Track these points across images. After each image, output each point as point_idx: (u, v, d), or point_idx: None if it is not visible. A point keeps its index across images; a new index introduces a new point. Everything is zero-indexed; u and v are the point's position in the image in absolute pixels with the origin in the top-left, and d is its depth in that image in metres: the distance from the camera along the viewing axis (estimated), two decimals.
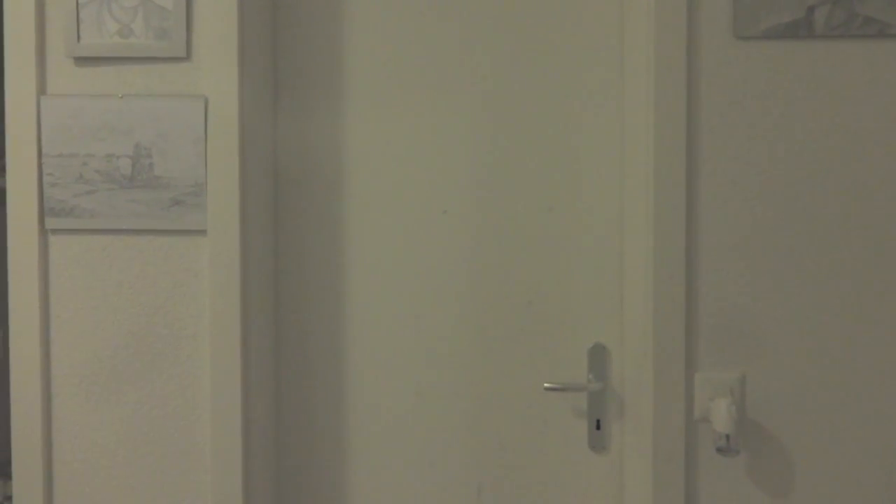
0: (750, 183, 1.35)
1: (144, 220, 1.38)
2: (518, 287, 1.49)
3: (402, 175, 1.50)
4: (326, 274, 1.52)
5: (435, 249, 1.50)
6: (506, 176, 1.49)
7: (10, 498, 1.41)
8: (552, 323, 1.49)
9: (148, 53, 1.38)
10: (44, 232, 1.39)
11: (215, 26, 1.37)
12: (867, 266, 1.34)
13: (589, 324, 1.48)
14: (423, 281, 1.50)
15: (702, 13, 1.33)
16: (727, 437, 1.29)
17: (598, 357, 1.47)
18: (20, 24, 1.37)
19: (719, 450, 1.30)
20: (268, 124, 1.49)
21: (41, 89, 1.38)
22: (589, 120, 1.48)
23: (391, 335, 1.51)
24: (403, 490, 1.52)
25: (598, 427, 1.48)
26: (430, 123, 1.50)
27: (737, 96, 1.34)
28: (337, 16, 1.50)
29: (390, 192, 1.51)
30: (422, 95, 1.50)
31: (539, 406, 1.49)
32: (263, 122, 1.47)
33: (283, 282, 1.52)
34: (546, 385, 1.45)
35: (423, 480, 1.51)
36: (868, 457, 1.35)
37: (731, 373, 1.36)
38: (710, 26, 1.34)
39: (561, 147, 1.48)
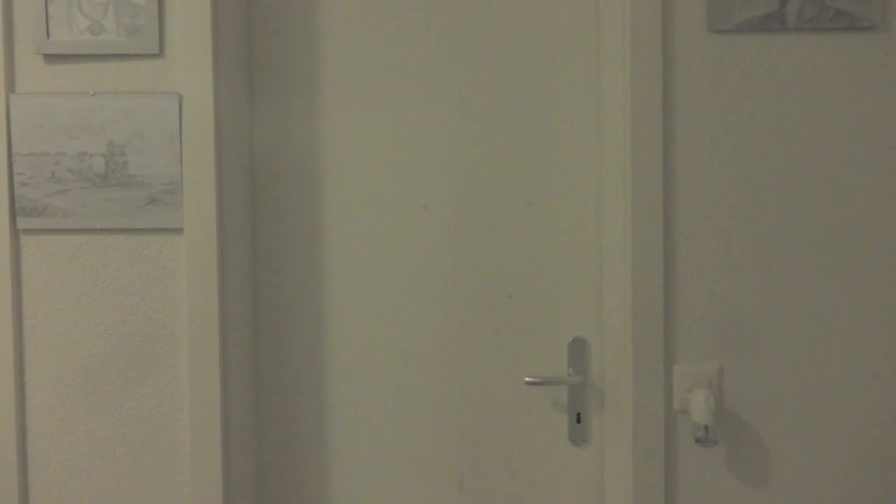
0: (727, 175, 1.36)
1: (119, 218, 1.36)
2: (498, 282, 1.49)
3: (381, 171, 1.50)
4: (305, 271, 1.51)
5: (415, 245, 1.50)
6: (485, 171, 1.49)
7: None
8: (532, 317, 1.49)
9: (120, 50, 1.36)
10: (15, 232, 1.37)
11: (188, 22, 1.35)
12: (845, 257, 1.36)
13: (569, 317, 1.49)
14: (404, 276, 1.50)
15: (676, 7, 1.34)
16: (706, 427, 1.30)
17: (578, 351, 1.48)
18: None
19: (698, 440, 1.31)
20: (244, 121, 1.47)
21: (10, 87, 1.36)
22: (566, 115, 1.48)
23: (371, 331, 1.51)
24: (385, 485, 1.52)
25: (578, 420, 1.48)
26: (408, 119, 1.49)
27: (712, 89, 1.35)
28: (313, 10, 1.49)
29: (369, 188, 1.50)
30: (400, 91, 1.49)
31: (520, 400, 1.50)
32: (239, 119, 1.45)
33: (262, 279, 1.51)
34: (527, 379, 1.46)
35: (404, 475, 1.51)
36: (843, 447, 1.37)
37: (710, 365, 1.37)
38: (684, 20, 1.35)
39: (539, 142, 1.48)
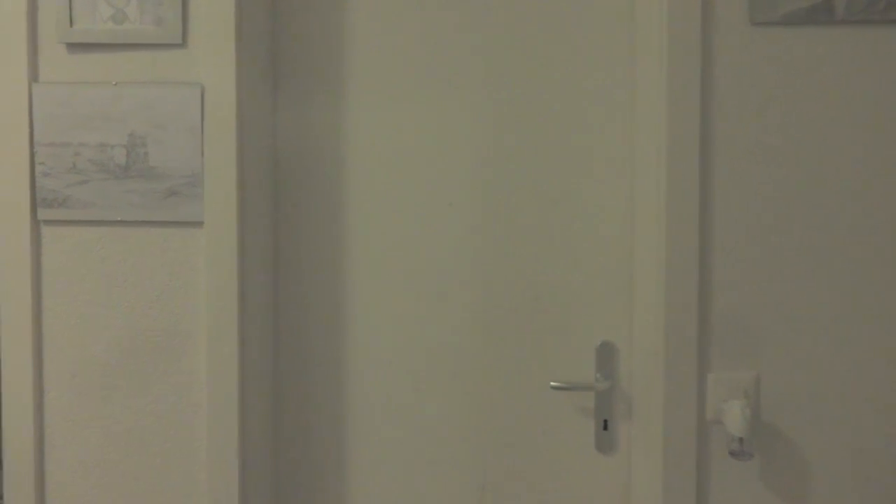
0: (767, 175, 1.30)
1: (139, 211, 1.34)
2: (524, 282, 1.45)
3: (406, 166, 1.46)
4: (327, 267, 1.47)
5: (439, 243, 1.46)
6: (512, 167, 1.45)
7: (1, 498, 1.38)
8: (559, 320, 1.44)
9: (143, 40, 1.33)
10: (36, 223, 1.36)
11: (212, 11, 1.32)
12: (889, 263, 1.29)
13: (597, 321, 1.44)
14: (427, 275, 1.46)
15: None
16: (741, 440, 1.24)
17: (607, 355, 1.43)
18: (11, 9, 1.33)
19: (732, 453, 1.25)
20: (267, 113, 1.44)
21: (33, 76, 1.34)
22: (598, 109, 1.43)
23: (393, 330, 1.47)
24: (404, 490, 1.48)
25: (605, 427, 1.43)
26: (435, 112, 1.45)
27: (753, 85, 1.29)
28: (339, 1, 1.46)
29: (394, 183, 1.46)
30: (426, 83, 1.45)
31: (545, 405, 1.45)
32: (262, 111, 1.42)
33: (283, 275, 1.48)
34: (552, 384, 1.41)
35: (424, 480, 1.47)
36: (887, 460, 1.30)
37: (746, 373, 1.31)
38: (725, 12, 1.29)
39: (569, 137, 1.43)
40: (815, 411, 1.30)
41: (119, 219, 1.34)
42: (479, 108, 1.45)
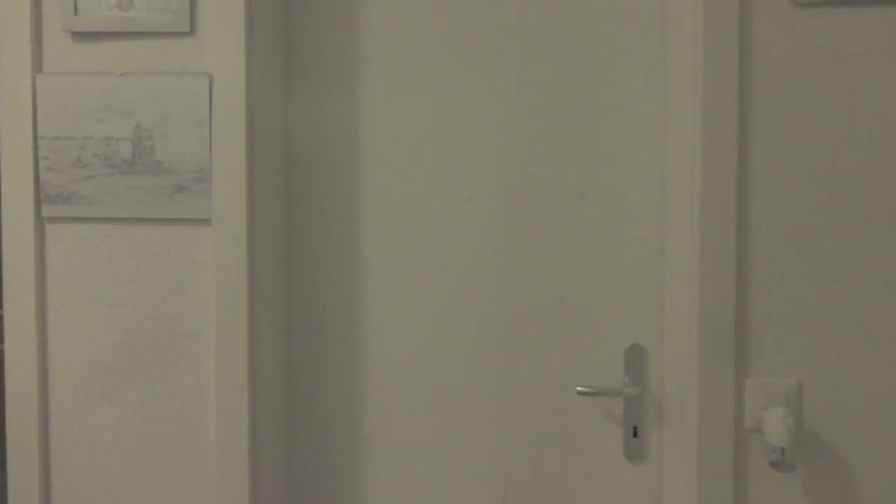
0: (810, 167, 1.22)
1: (145, 207, 1.29)
2: (549, 281, 1.38)
3: (423, 159, 1.40)
4: (341, 266, 1.41)
5: (458, 240, 1.39)
6: (535, 160, 1.38)
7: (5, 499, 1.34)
8: (586, 321, 1.38)
9: (149, 28, 1.28)
10: (39, 220, 1.31)
11: None
12: None
13: (626, 322, 1.37)
14: (446, 274, 1.40)
15: None
16: (782, 450, 1.16)
17: (636, 358, 1.36)
18: None
19: (773, 464, 1.17)
20: (279, 104, 1.38)
21: (37, 67, 1.29)
22: (627, 98, 1.35)
23: (411, 332, 1.41)
24: (423, 498, 1.42)
25: (634, 434, 1.37)
26: (454, 103, 1.39)
27: (795, 70, 1.21)
28: None
29: (411, 177, 1.40)
30: (445, 74, 1.38)
31: (571, 411, 1.38)
32: (274, 102, 1.36)
33: (295, 274, 1.42)
34: (579, 389, 1.35)
35: (444, 487, 1.41)
36: None
37: (787, 379, 1.23)
38: None
39: (595, 128, 1.36)
40: (862, 420, 1.22)
41: (125, 216, 1.29)
42: (501, 98, 1.38)
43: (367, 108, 1.40)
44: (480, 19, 1.38)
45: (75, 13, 1.28)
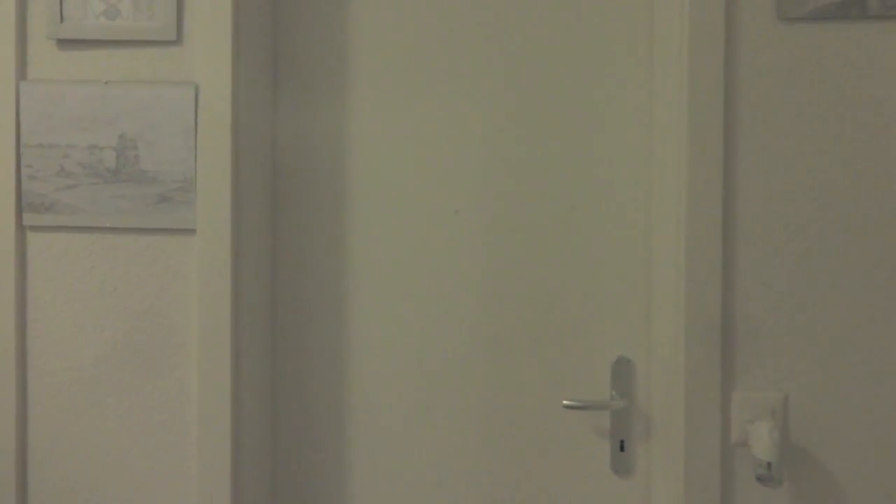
0: (795, 180, 1.22)
1: (129, 217, 1.27)
2: (536, 294, 1.37)
3: (410, 171, 1.39)
4: (328, 278, 1.40)
5: (445, 252, 1.38)
6: (523, 172, 1.37)
7: None
8: (572, 334, 1.37)
9: (135, 36, 1.27)
10: (21, 229, 1.29)
11: (208, 7, 1.26)
12: None
13: (613, 335, 1.36)
14: (433, 286, 1.39)
15: None
16: (769, 464, 1.15)
17: (623, 372, 1.35)
18: None
19: (759, 479, 1.17)
20: (265, 114, 1.38)
21: (21, 74, 1.28)
22: (615, 111, 1.35)
23: (397, 344, 1.40)
24: None
25: (622, 449, 1.35)
26: (441, 114, 1.38)
27: (780, 84, 1.21)
28: None
29: (398, 189, 1.39)
30: (433, 84, 1.38)
31: (557, 424, 1.37)
32: (260, 112, 1.36)
33: (280, 286, 1.41)
34: (565, 402, 1.34)
35: (430, 502, 1.39)
36: None
37: (773, 392, 1.22)
38: (750, 6, 1.21)
39: (583, 140, 1.36)
40: (849, 434, 1.21)
41: (108, 225, 1.28)
42: (489, 109, 1.38)
43: (354, 118, 1.40)
44: (469, 31, 1.38)
45: (61, 21, 1.28)
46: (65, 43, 1.28)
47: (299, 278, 1.41)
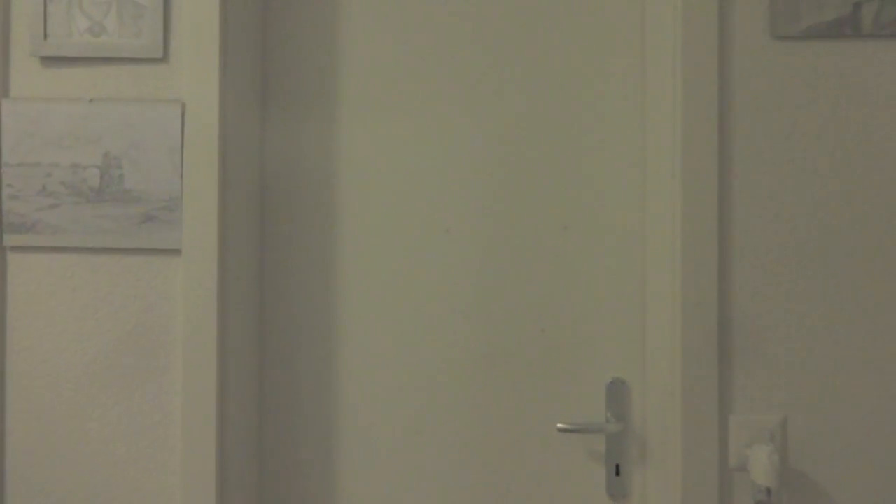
0: (791, 200, 1.20)
1: (113, 237, 1.24)
2: (529, 314, 1.35)
3: (401, 190, 1.37)
4: (317, 299, 1.37)
5: (437, 272, 1.36)
6: (516, 191, 1.35)
7: None
8: (566, 355, 1.34)
9: (121, 53, 1.25)
10: (2, 249, 1.26)
11: (195, 24, 1.24)
12: None
13: (607, 356, 1.34)
14: (423, 307, 1.36)
15: (735, 10, 1.20)
16: (768, 490, 1.13)
17: (618, 394, 1.33)
18: None
19: None
20: (253, 133, 1.35)
21: (3, 91, 1.26)
22: (608, 129, 1.34)
23: (387, 367, 1.37)
24: None
25: (617, 473, 1.33)
26: (432, 132, 1.36)
27: (774, 103, 1.20)
28: (333, 14, 1.38)
29: (388, 207, 1.37)
30: (423, 102, 1.37)
31: (551, 448, 1.34)
32: (248, 131, 1.33)
33: (269, 307, 1.38)
34: (559, 425, 1.31)
35: None
36: None
37: (772, 415, 1.20)
38: (744, 24, 1.20)
39: (576, 159, 1.35)
40: (850, 458, 1.19)
41: (91, 245, 1.25)
42: (481, 126, 1.36)
43: (344, 136, 1.38)
44: (461, 48, 1.37)
45: (45, 38, 1.25)
46: (48, 60, 1.26)
47: (288, 300, 1.38)
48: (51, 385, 1.26)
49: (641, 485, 1.33)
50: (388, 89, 1.37)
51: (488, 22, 1.36)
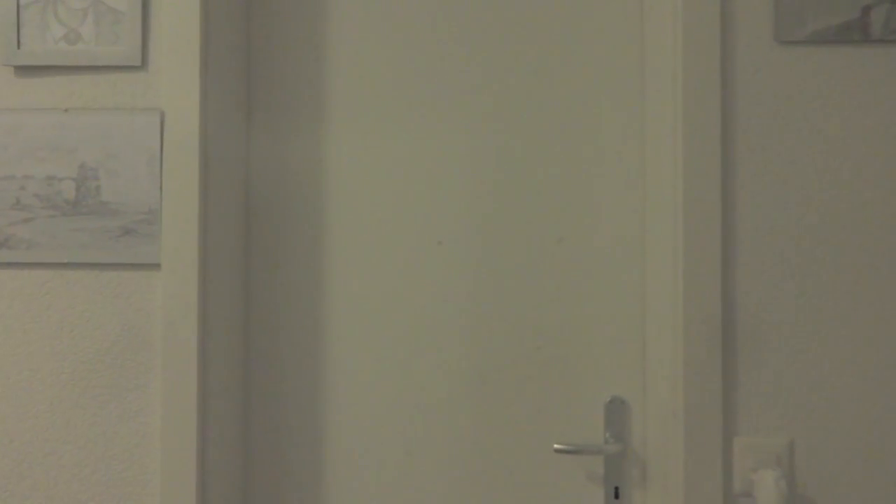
0: (798, 211, 1.16)
1: (89, 251, 1.19)
2: (524, 330, 1.30)
3: (391, 200, 1.32)
4: (304, 314, 1.32)
5: (428, 285, 1.32)
6: (510, 202, 1.31)
7: None
8: (563, 372, 1.30)
9: (97, 62, 1.20)
10: None
11: (175, 31, 1.19)
12: None
13: (606, 374, 1.29)
14: (415, 322, 1.31)
15: (738, 14, 1.16)
16: None
17: (617, 413, 1.28)
18: None
19: None
20: (237, 142, 1.31)
21: None
22: (605, 138, 1.30)
23: (377, 385, 1.32)
24: None
25: (616, 496, 1.29)
26: (423, 141, 1.32)
27: (780, 109, 1.16)
28: (320, 19, 1.33)
29: (378, 219, 1.33)
30: (414, 109, 1.32)
31: (548, 470, 1.30)
32: (232, 140, 1.28)
33: (254, 323, 1.33)
34: (556, 446, 1.27)
35: None
36: None
37: (779, 438, 1.14)
38: (747, 29, 1.16)
39: (573, 169, 1.30)
40: (860, 483, 1.14)
41: (66, 261, 1.20)
42: (474, 135, 1.32)
43: (332, 146, 1.33)
44: (453, 56, 1.32)
45: (18, 47, 1.21)
46: (22, 70, 1.21)
47: (275, 316, 1.33)
48: (23, 408, 1.20)
49: None
50: (378, 97, 1.33)
51: (481, 29, 1.32)
